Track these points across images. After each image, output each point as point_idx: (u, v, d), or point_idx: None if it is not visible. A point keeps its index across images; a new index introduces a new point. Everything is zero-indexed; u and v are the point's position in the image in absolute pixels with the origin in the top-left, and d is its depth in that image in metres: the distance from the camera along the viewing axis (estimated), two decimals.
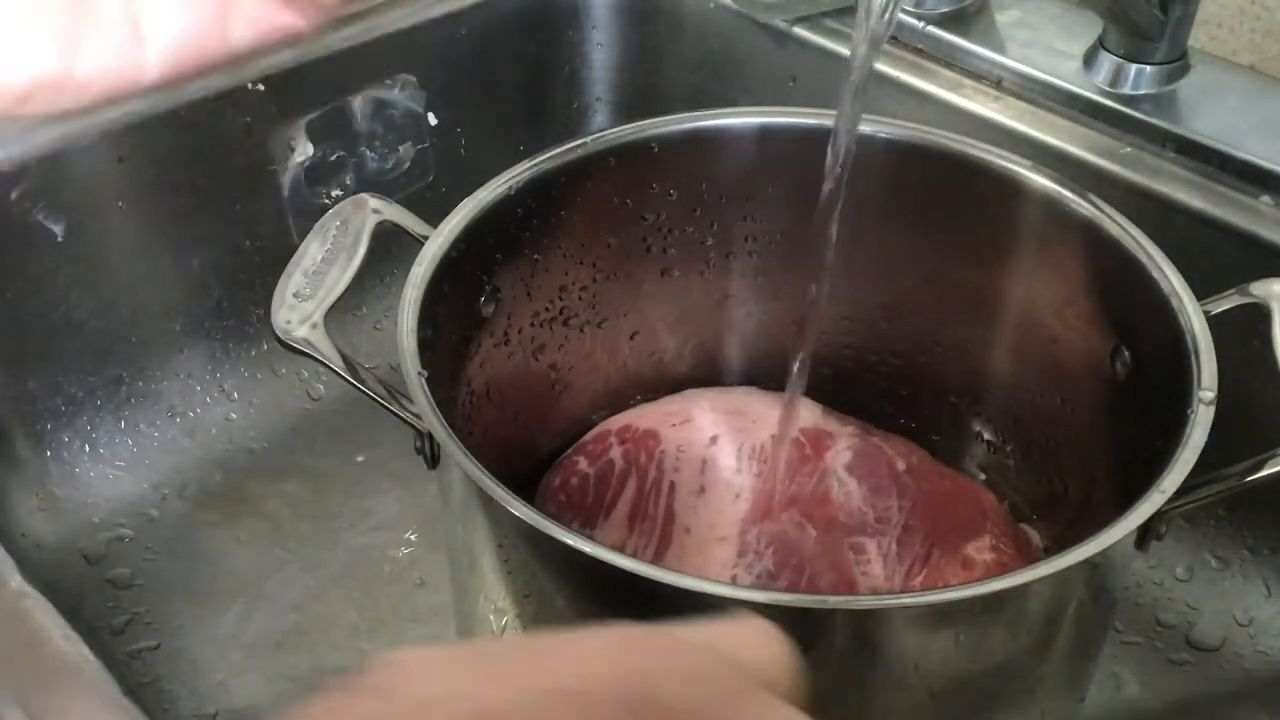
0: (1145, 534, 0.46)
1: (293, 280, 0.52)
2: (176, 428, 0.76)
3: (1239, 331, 0.52)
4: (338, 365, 0.51)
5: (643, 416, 0.68)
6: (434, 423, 0.47)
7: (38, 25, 0.39)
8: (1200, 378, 0.49)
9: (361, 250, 0.54)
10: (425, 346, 0.50)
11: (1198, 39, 0.71)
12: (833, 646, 0.45)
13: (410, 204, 0.56)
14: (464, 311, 0.58)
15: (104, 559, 0.70)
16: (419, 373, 0.49)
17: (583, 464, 0.66)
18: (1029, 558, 0.63)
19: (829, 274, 0.59)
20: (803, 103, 0.65)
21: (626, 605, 0.46)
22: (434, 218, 0.56)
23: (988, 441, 0.68)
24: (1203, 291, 0.53)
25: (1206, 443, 0.46)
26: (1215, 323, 0.52)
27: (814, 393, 0.66)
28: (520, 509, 0.44)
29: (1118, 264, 0.56)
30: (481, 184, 0.57)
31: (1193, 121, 0.67)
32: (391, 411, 0.51)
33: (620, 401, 0.70)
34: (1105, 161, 0.67)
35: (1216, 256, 0.64)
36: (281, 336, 0.50)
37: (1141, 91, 0.68)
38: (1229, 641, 0.67)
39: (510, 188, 0.58)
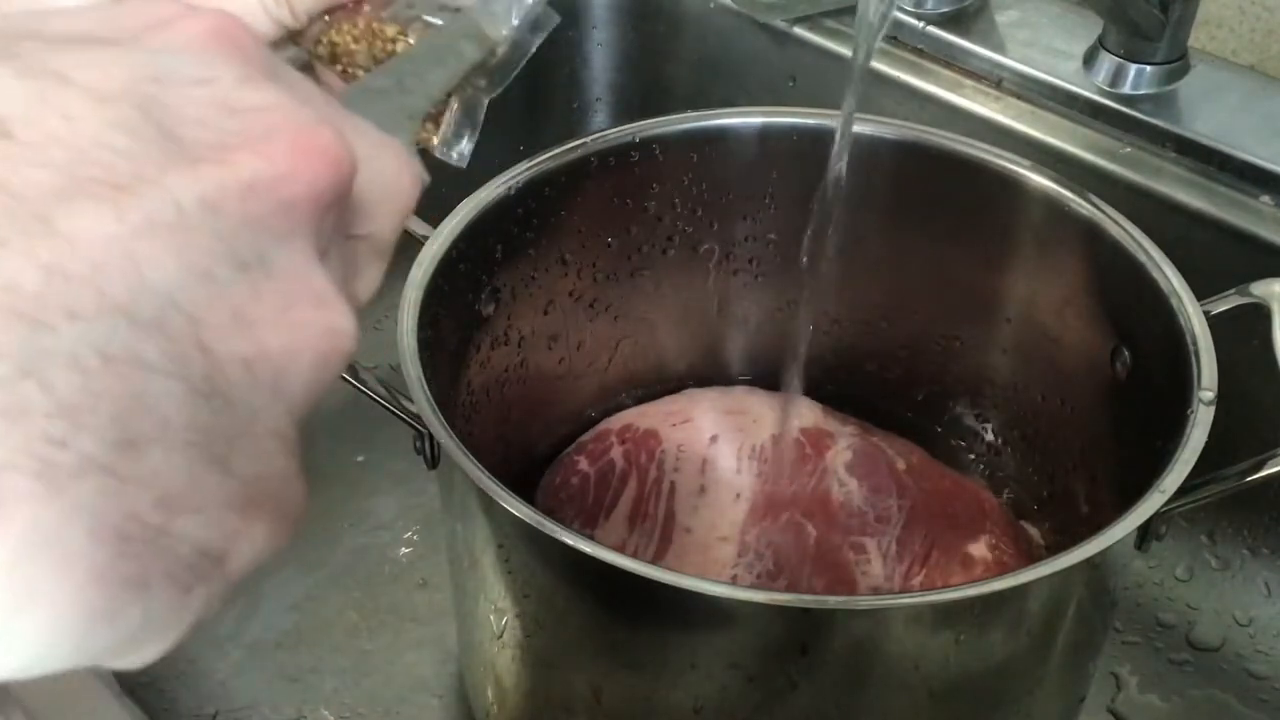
0: (1145, 534, 0.46)
1: None
2: None
3: (1239, 331, 0.52)
4: None
5: (643, 416, 0.68)
6: (434, 423, 0.47)
7: None
8: (1200, 378, 0.49)
9: None
10: (425, 346, 0.50)
11: (1198, 39, 0.71)
12: (833, 646, 0.46)
13: None
14: (464, 311, 0.57)
15: None
16: (419, 373, 0.49)
17: (583, 463, 0.66)
18: (1029, 557, 0.63)
19: (829, 274, 0.59)
20: (803, 103, 0.65)
21: (626, 605, 0.46)
22: (434, 218, 0.56)
23: (988, 441, 0.68)
24: (1203, 291, 0.53)
25: (1206, 443, 0.46)
26: (1215, 323, 0.51)
27: (814, 393, 0.67)
28: (520, 509, 0.44)
29: (1118, 264, 0.56)
30: (481, 184, 0.57)
31: (1193, 121, 0.67)
32: (391, 411, 0.51)
33: (620, 401, 0.70)
34: (1105, 161, 0.67)
35: (1216, 256, 0.64)
36: None
37: (1141, 91, 0.68)
38: (1229, 641, 0.67)
39: (510, 188, 0.58)
